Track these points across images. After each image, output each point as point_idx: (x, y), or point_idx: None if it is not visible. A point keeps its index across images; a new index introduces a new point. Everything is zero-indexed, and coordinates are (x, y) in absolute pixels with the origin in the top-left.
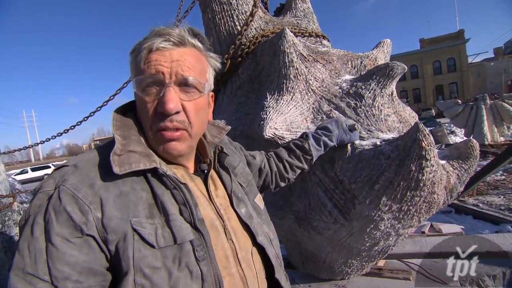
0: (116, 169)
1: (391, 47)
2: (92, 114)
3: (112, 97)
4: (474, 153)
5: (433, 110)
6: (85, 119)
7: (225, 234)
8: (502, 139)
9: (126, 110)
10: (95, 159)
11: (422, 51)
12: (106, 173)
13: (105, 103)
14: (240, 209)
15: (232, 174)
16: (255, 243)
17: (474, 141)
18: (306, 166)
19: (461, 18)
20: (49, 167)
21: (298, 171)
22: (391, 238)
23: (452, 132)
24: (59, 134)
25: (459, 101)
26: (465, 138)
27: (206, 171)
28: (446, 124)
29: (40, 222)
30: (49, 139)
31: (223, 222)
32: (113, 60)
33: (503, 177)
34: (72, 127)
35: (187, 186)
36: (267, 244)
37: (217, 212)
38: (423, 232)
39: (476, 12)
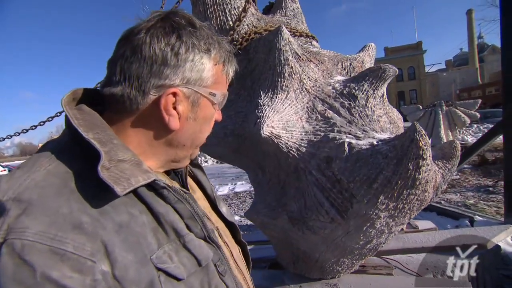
0: (118, 189)
1: (375, 51)
2: (50, 119)
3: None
4: (457, 154)
5: None
6: (41, 124)
7: (220, 237)
8: None
9: (80, 103)
10: (55, 178)
11: (386, 58)
12: (88, 200)
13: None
14: (221, 208)
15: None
16: (237, 241)
17: (457, 142)
18: None
19: (419, 30)
20: None
21: None
22: (383, 236)
23: None
24: (17, 134)
25: (420, 106)
26: None
27: (180, 173)
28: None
29: None
30: (4, 139)
31: (213, 224)
32: (71, 51)
33: (458, 176)
34: (25, 130)
35: (192, 196)
36: (244, 243)
37: (207, 217)
38: (402, 229)
39: (431, 26)
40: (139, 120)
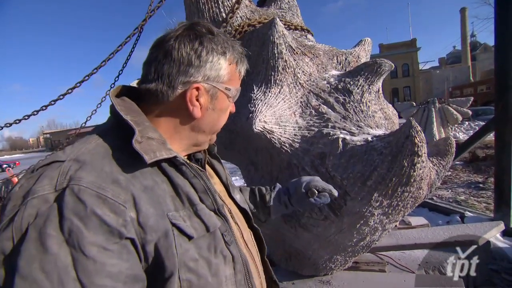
0: (147, 158)
1: (371, 46)
2: (44, 108)
3: (70, 90)
4: (452, 150)
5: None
6: (44, 108)
7: (232, 218)
8: None
9: (118, 93)
10: (101, 148)
11: (381, 55)
12: (124, 165)
13: (61, 97)
14: (235, 195)
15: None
16: (250, 226)
17: (452, 138)
18: (261, 217)
19: (414, 27)
20: None
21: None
22: (377, 233)
23: None
24: (8, 125)
25: (414, 103)
26: None
27: (201, 160)
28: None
29: (54, 234)
30: None
31: (227, 206)
32: (60, 42)
33: (450, 172)
34: (17, 121)
35: (205, 174)
36: (257, 228)
37: (220, 198)
38: (395, 225)
39: (426, 24)
40: (168, 110)
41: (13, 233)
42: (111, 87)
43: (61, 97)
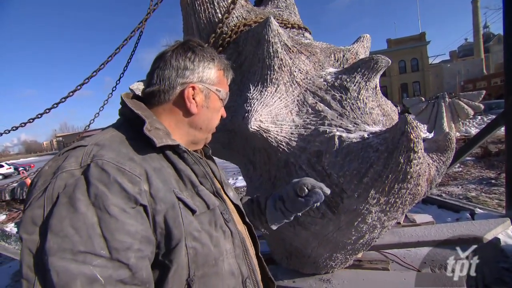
0: (157, 141)
1: (370, 42)
2: (55, 105)
3: (79, 87)
4: (452, 146)
5: (399, 107)
6: (47, 111)
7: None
8: (458, 134)
9: (130, 97)
10: (117, 137)
11: (388, 50)
12: (136, 149)
13: (70, 94)
14: (228, 193)
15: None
16: (244, 222)
17: (452, 134)
18: (258, 225)
19: (423, 21)
20: (1, 166)
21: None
22: (376, 231)
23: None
24: (14, 128)
25: (423, 98)
26: (427, 133)
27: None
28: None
29: (82, 198)
30: (1, 134)
31: (223, 200)
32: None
33: (460, 169)
34: (31, 120)
35: (204, 161)
36: (250, 224)
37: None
38: (399, 223)
39: (435, 16)
40: (169, 107)
41: (45, 201)
42: (113, 90)
43: (63, 100)
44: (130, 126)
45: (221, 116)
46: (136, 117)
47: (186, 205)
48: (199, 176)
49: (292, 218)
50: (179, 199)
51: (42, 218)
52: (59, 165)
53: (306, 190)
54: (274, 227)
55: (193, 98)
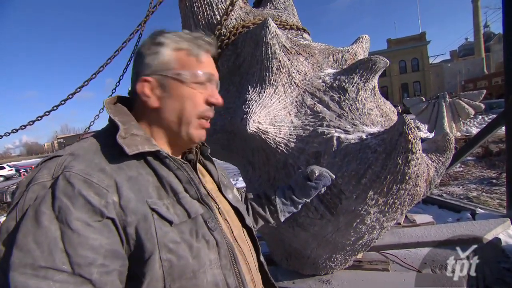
0: (128, 150)
1: (369, 43)
2: (55, 108)
3: (79, 89)
4: (451, 146)
5: (399, 107)
6: (47, 113)
7: (220, 214)
8: (458, 134)
9: (115, 102)
10: (92, 146)
11: (389, 50)
12: (111, 158)
13: (70, 96)
14: (227, 194)
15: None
16: (243, 225)
17: (451, 134)
18: (270, 218)
19: (423, 20)
20: (3, 167)
21: (261, 221)
22: (375, 232)
23: (417, 128)
24: (15, 131)
25: (423, 98)
26: (428, 133)
27: (193, 160)
28: (412, 120)
29: (47, 212)
30: (1, 136)
31: (216, 203)
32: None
33: (461, 168)
34: (31, 122)
35: (189, 166)
36: (250, 227)
37: (209, 195)
38: (399, 223)
39: (435, 16)
40: (139, 109)
41: (16, 213)
42: (112, 92)
43: (63, 102)
44: (112, 132)
45: (210, 102)
46: (114, 124)
47: (161, 216)
48: (183, 182)
49: (300, 207)
50: (153, 210)
51: (12, 231)
52: (33, 176)
53: (317, 173)
54: (282, 218)
55: (151, 91)
